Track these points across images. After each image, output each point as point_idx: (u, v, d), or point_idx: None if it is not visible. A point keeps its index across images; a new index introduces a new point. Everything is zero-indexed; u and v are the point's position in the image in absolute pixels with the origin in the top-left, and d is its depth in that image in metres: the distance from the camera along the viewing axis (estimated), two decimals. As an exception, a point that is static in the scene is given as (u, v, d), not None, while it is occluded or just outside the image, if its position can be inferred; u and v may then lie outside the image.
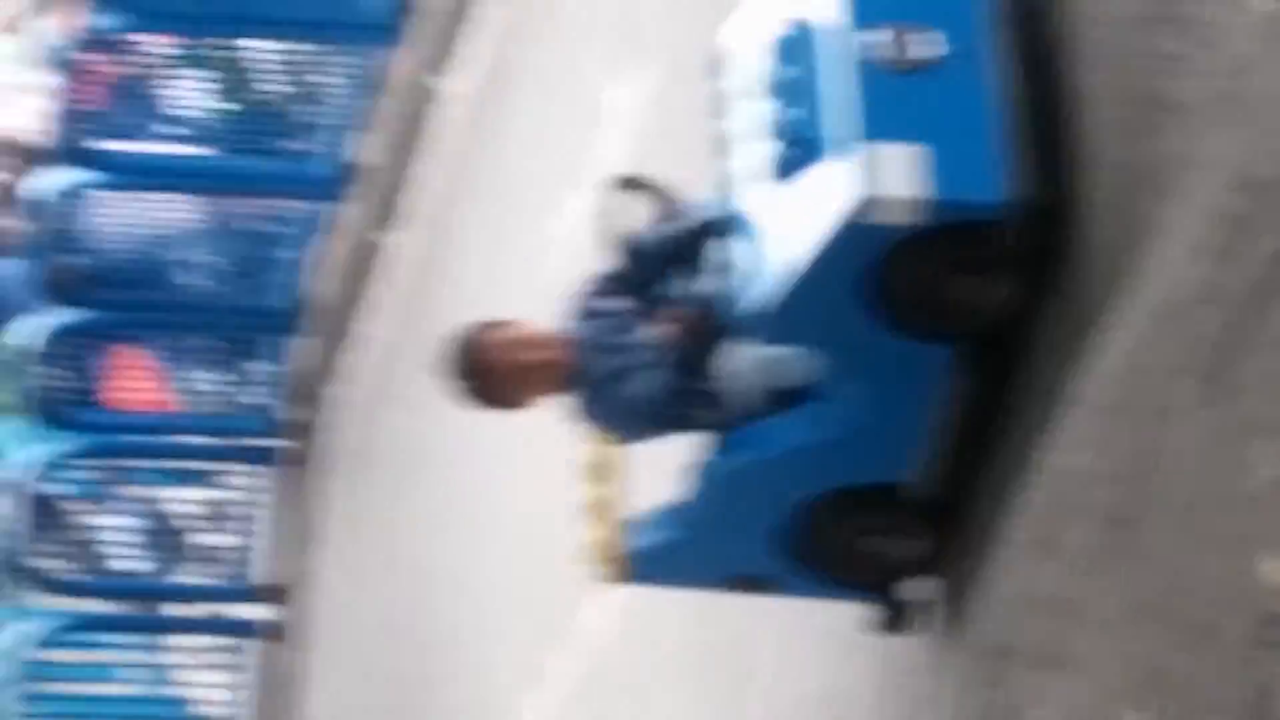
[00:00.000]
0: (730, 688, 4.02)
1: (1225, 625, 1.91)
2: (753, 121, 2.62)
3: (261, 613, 7.60)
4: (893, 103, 2.39)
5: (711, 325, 2.72)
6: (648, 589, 3.47)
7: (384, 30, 6.59)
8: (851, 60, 2.40)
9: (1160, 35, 2.10)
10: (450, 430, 5.79)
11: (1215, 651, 1.93)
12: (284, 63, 6.95)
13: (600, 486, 3.06)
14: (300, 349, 7.52)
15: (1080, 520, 2.28)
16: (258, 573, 7.74)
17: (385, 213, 6.91)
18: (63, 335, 7.15)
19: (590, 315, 2.88)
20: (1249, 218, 1.86)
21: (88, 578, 7.83)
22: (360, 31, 6.79)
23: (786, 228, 2.50)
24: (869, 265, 2.36)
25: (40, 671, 7.45)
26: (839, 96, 2.41)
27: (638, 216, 2.86)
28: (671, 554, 2.94)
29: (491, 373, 2.87)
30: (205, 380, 7.81)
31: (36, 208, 6.78)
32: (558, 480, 4.47)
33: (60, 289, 6.95)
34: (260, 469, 7.76)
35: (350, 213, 6.96)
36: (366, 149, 6.83)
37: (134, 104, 6.95)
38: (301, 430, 7.62)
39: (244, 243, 7.30)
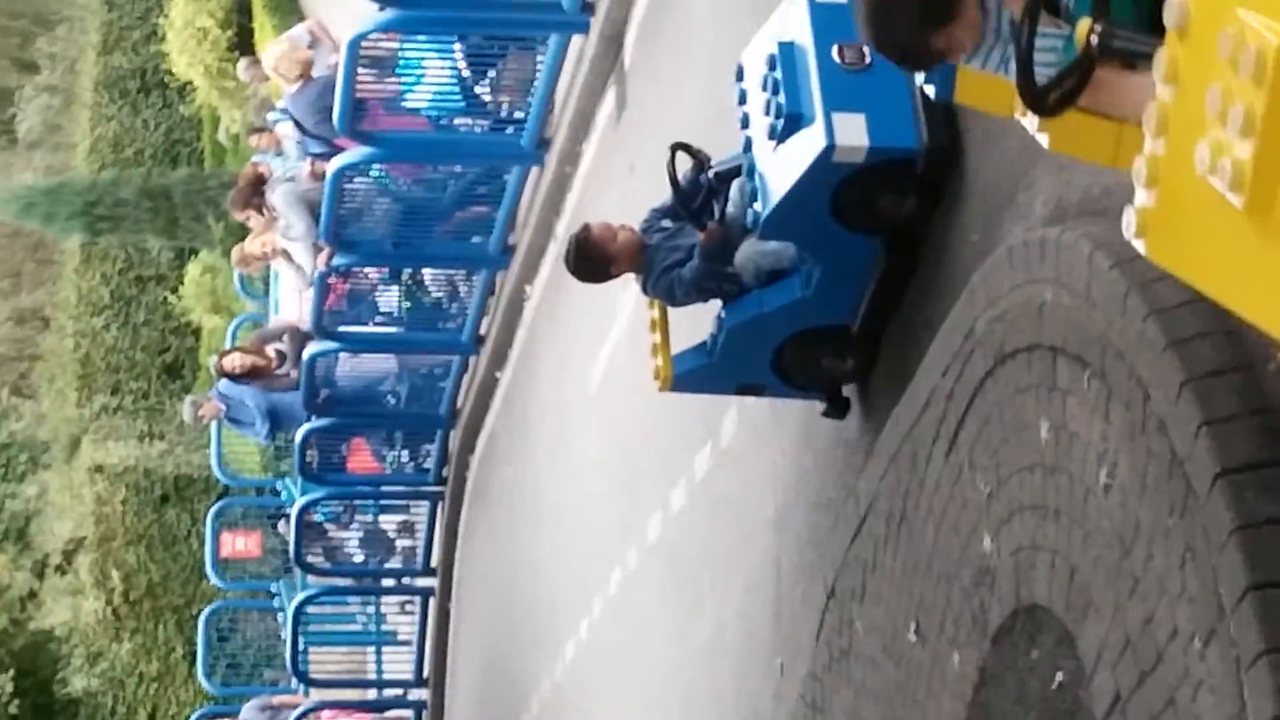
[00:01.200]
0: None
1: (961, 574, 2.95)
2: (759, 106, 3.66)
3: (431, 582, 12.23)
4: (841, 89, 3.51)
5: (728, 234, 3.91)
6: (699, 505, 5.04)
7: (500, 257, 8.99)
8: (816, 65, 3.53)
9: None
10: (549, 461, 8.51)
11: (955, 589, 2.97)
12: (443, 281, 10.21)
13: (658, 334, 4.26)
14: (448, 436, 11.24)
15: (877, 527, 3.57)
16: (429, 559, 12.06)
17: (498, 359, 10.01)
18: (321, 432, 10.70)
19: (653, 229, 4.14)
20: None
21: (335, 565, 12.43)
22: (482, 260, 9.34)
23: (779, 171, 3.60)
24: (830, 187, 3.45)
25: (310, 619, 12.32)
26: (809, 88, 3.54)
27: (684, 168, 4.00)
28: (700, 373, 4.23)
29: (592, 255, 4.08)
30: (398, 454, 11.60)
31: (308, 365, 10.04)
32: (624, 436, 6.62)
33: (319, 408, 10.43)
34: (429, 500, 11.93)
35: (480, 361, 10.26)
36: (485, 326, 9.93)
37: (359, 303, 10.23)
38: (452, 479, 11.50)
39: (419, 378, 10.82)
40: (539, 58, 7.14)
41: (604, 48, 6.91)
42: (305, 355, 9.99)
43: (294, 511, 11.48)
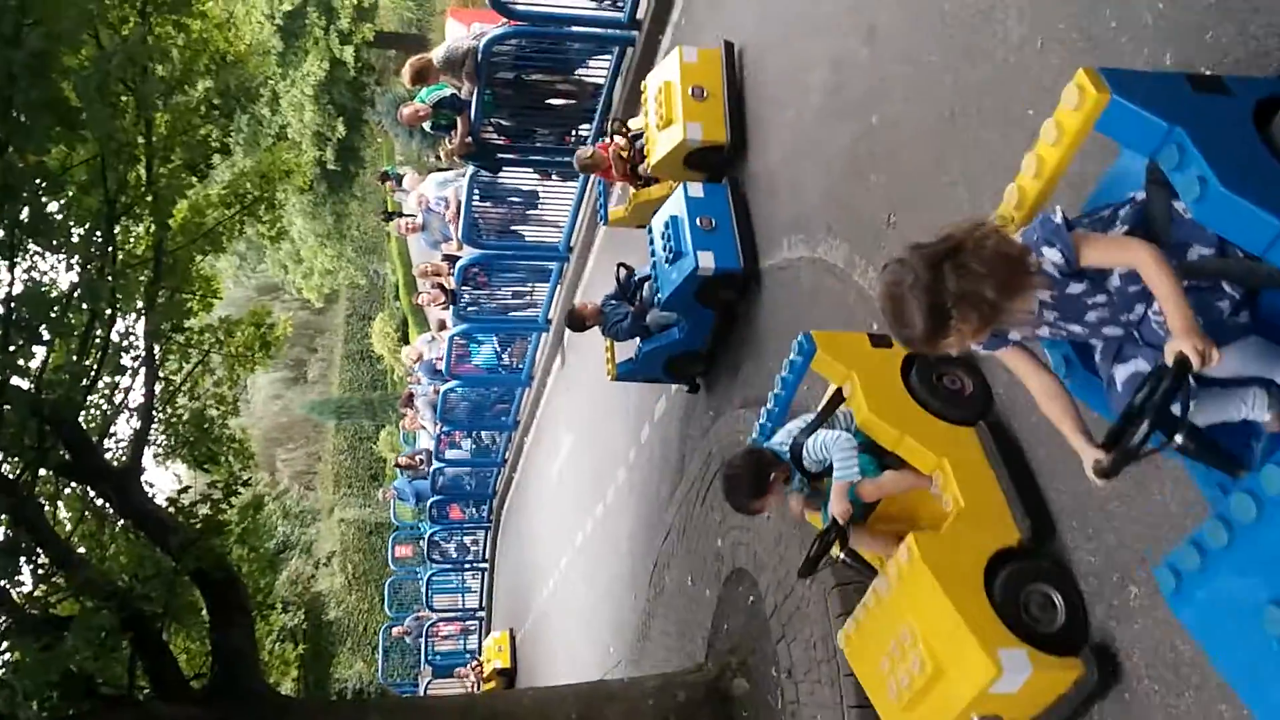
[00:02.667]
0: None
1: (716, 565, 6.66)
2: (661, 246, 6.57)
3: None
4: (701, 239, 6.41)
5: (644, 309, 7.25)
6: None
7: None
8: (689, 227, 6.43)
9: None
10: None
11: (711, 573, 6.79)
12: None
13: (609, 352, 7.94)
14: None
15: (675, 530, 8.28)
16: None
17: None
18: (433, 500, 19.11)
19: (607, 302, 7.50)
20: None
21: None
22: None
23: (671, 277, 6.51)
24: (695, 285, 6.43)
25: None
26: (687, 238, 6.43)
27: (623, 273, 7.47)
28: (630, 371, 7.74)
29: (578, 319, 7.70)
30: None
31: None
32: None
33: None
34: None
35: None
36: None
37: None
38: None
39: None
40: None
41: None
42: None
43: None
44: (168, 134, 11.14)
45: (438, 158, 11.12)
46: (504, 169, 10.38)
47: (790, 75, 6.08)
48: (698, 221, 6.45)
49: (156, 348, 11.69)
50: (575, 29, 8.99)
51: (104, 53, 6.32)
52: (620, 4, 8.66)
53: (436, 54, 9.13)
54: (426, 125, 9.95)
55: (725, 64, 6.82)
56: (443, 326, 15.24)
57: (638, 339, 7.50)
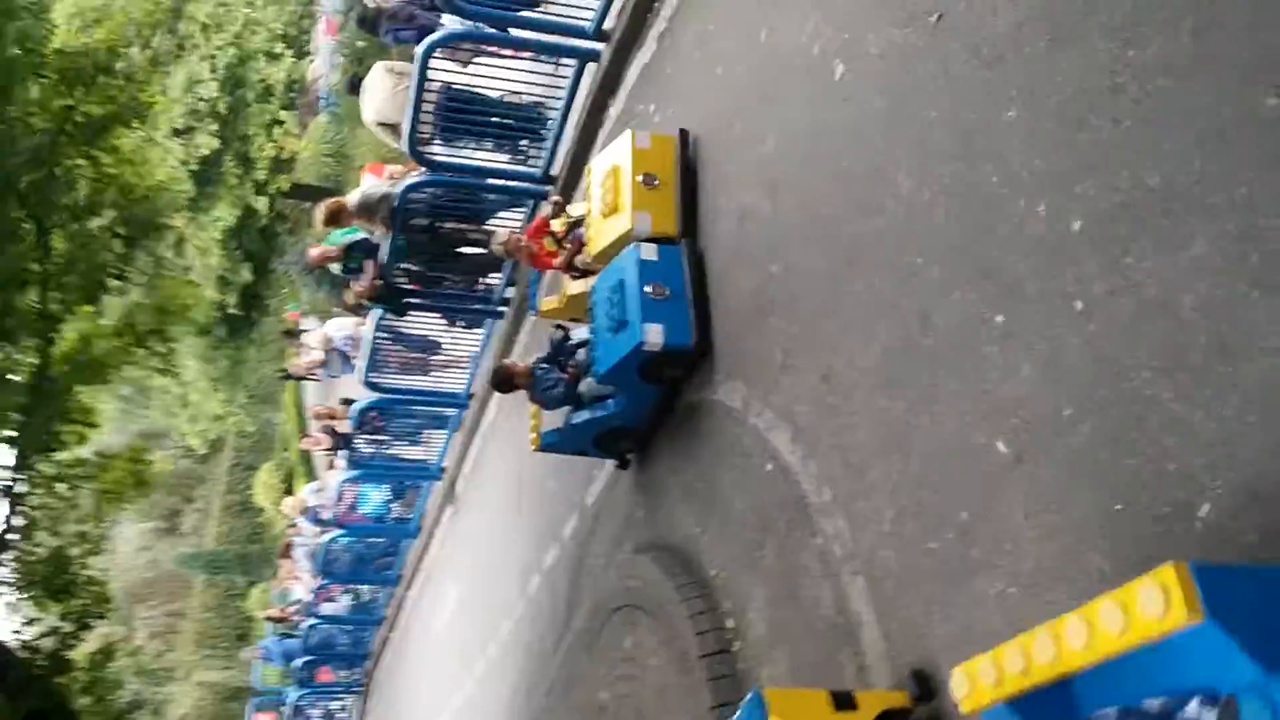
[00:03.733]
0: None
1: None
2: (604, 310, 5.95)
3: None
4: (650, 309, 5.64)
5: (579, 375, 6.55)
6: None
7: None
8: (639, 296, 5.67)
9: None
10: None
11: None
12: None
13: (534, 420, 7.27)
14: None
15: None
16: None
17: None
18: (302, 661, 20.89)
19: (538, 364, 6.84)
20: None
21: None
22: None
23: (612, 348, 5.86)
24: (638, 360, 5.73)
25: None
26: (634, 306, 5.67)
27: (559, 335, 6.76)
28: (556, 443, 7.03)
29: (505, 378, 7.04)
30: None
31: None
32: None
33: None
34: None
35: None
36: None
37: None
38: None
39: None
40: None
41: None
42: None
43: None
44: (65, 260, 10.98)
45: (344, 305, 11.08)
46: (410, 313, 10.40)
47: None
48: (647, 289, 5.73)
49: (21, 479, 11.10)
50: (491, 181, 9.23)
51: (9, 150, 6.24)
52: (535, 161, 8.91)
53: (351, 198, 9.25)
54: (335, 267, 9.96)
55: (679, 152, 6.26)
56: (332, 467, 14.81)
57: (568, 407, 6.87)
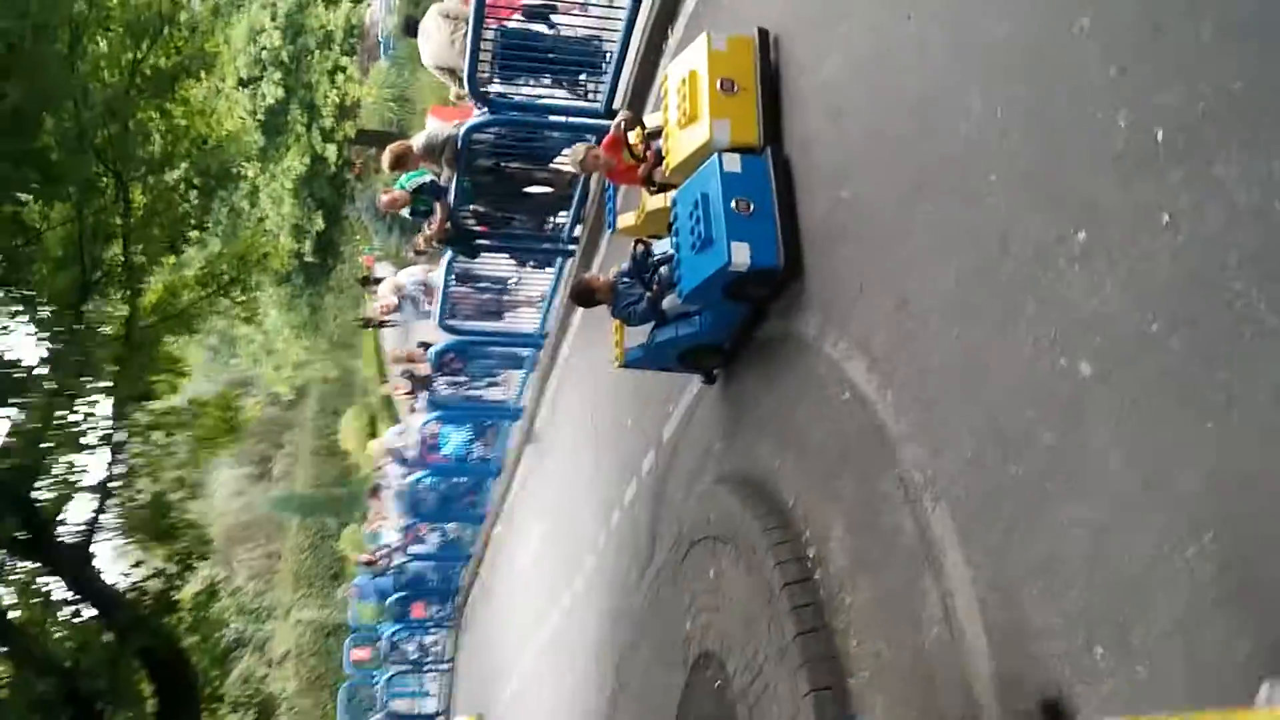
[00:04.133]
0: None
1: (683, 650, 7.94)
2: (688, 225, 5.65)
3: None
4: (738, 225, 5.38)
5: (662, 292, 6.30)
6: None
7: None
8: (723, 211, 5.40)
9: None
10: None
11: (678, 658, 7.90)
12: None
13: (616, 336, 6.97)
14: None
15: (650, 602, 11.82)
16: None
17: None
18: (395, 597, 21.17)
19: (620, 278, 6.63)
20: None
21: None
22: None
23: (697, 267, 5.59)
24: (724, 280, 5.51)
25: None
26: (719, 223, 5.42)
27: (640, 250, 6.47)
28: (640, 359, 6.79)
29: (586, 292, 6.82)
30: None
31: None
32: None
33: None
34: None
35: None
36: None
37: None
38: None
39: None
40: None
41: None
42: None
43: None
44: (145, 213, 11.25)
45: (416, 250, 11.20)
46: (481, 254, 10.46)
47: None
48: (733, 204, 5.42)
49: (119, 428, 11.51)
50: (553, 119, 9.17)
51: (83, 105, 6.39)
52: (596, 96, 8.84)
53: (416, 141, 9.28)
54: (405, 211, 10.05)
55: (759, 54, 5.88)
56: (413, 410, 15.11)
57: (651, 324, 6.60)
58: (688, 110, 5.87)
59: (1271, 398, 2.64)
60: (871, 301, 4.76)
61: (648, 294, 6.38)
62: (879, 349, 4.67)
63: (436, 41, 9.27)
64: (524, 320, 11.87)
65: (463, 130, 8.74)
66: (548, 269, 10.94)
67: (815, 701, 4.75)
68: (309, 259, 23.75)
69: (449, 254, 10.35)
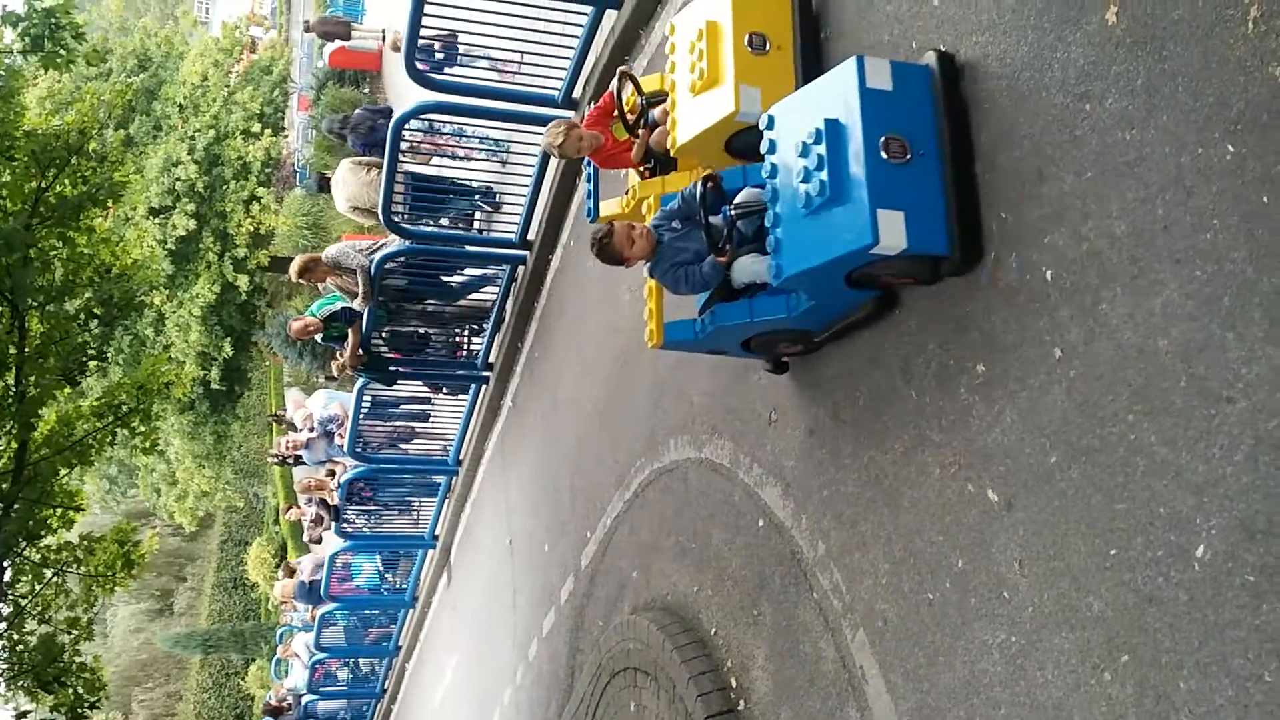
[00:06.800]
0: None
1: None
2: (794, 169, 3.68)
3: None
4: (884, 183, 3.39)
5: (734, 252, 4.28)
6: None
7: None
8: (863, 154, 3.42)
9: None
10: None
11: None
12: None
13: (651, 304, 4.78)
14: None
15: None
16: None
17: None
18: None
19: (663, 228, 4.50)
20: None
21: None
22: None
23: (808, 238, 3.62)
24: (856, 263, 3.55)
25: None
26: (854, 175, 3.46)
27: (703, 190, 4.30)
28: (684, 344, 4.64)
29: (612, 247, 4.51)
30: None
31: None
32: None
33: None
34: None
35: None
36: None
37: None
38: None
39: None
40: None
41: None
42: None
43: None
44: (41, 341, 10.93)
45: (329, 376, 11.07)
46: (396, 382, 10.39)
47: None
48: (881, 145, 3.48)
49: (7, 565, 10.93)
50: (467, 249, 9.29)
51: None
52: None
53: (326, 254, 9.31)
54: (319, 337, 9.97)
55: (797, 7, 4.59)
56: (321, 540, 14.71)
57: (707, 293, 4.56)
58: (704, 72, 4.53)
59: (1168, 524, 2.73)
60: (781, 430, 4.83)
61: (715, 256, 4.36)
62: (791, 474, 4.72)
63: (351, 184, 9.48)
64: (437, 448, 11.73)
65: (377, 259, 8.79)
66: (462, 395, 10.89)
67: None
68: (215, 386, 23.29)
69: (360, 382, 10.25)
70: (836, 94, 3.61)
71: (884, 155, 3.46)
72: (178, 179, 21.18)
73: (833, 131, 3.58)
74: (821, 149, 3.58)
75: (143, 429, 11.76)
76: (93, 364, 12.72)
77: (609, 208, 5.97)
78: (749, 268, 4.30)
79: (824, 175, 3.56)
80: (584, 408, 7.94)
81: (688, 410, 5.93)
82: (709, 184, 4.35)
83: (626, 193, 5.72)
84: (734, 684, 5.10)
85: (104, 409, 11.58)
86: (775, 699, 4.72)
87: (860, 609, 4.12)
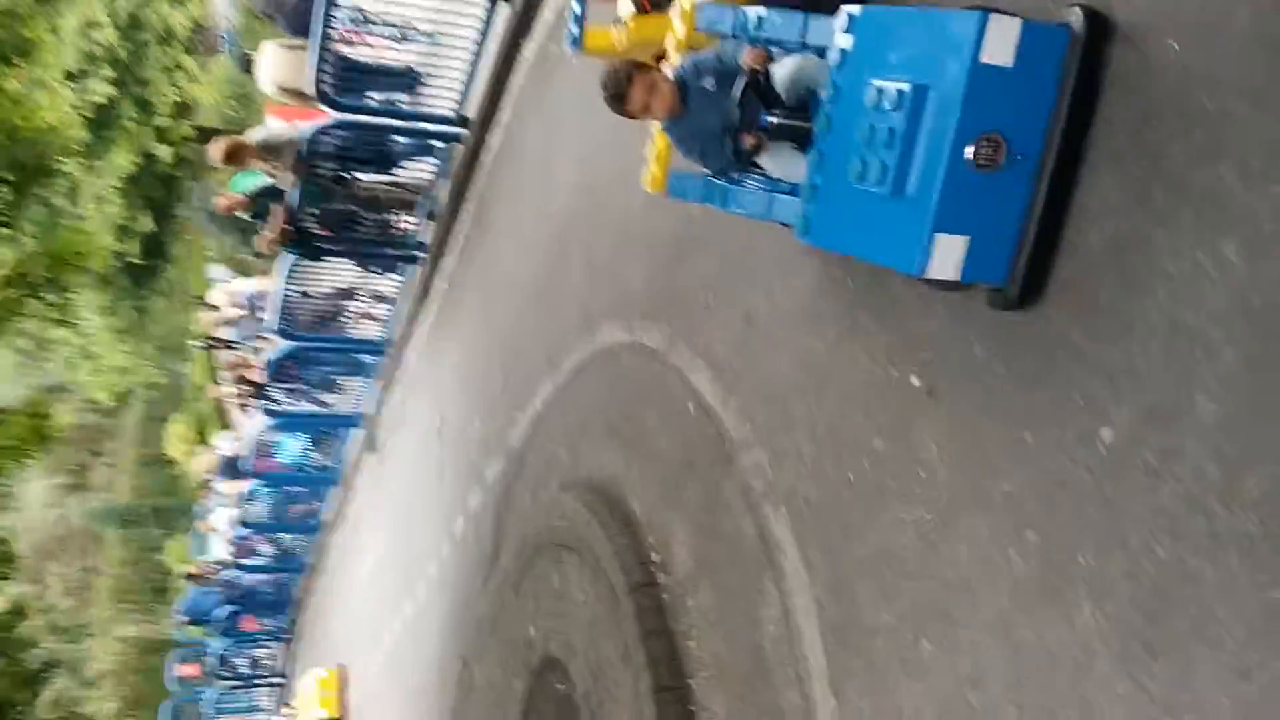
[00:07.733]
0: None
1: (526, 654, 7.23)
2: (859, 126, 2.92)
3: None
4: (959, 194, 2.69)
5: (759, 142, 3.59)
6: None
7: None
8: (949, 148, 2.70)
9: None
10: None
11: (521, 663, 7.25)
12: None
13: (656, 145, 4.09)
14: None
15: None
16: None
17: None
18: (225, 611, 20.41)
19: (691, 81, 3.71)
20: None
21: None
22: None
23: (854, 211, 3.00)
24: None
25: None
26: (929, 167, 2.75)
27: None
28: (690, 193, 3.98)
29: (627, 92, 3.72)
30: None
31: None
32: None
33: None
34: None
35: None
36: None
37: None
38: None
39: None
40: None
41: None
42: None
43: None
44: (-54, 206, 10.51)
45: (256, 254, 10.80)
46: (323, 258, 10.20)
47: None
48: (973, 146, 2.77)
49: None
50: (401, 124, 9.05)
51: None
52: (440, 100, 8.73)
53: (253, 136, 9.01)
54: (246, 214, 9.72)
55: None
56: (246, 417, 14.63)
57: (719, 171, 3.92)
58: None
59: (1081, 410, 2.86)
60: (716, 316, 4.90)
61: (749, 140, 3.68)
62: (723, 359, 4.81)
63: (278, 63, 9.12)
64: (366, 327, 11.62)
65: (308, 134, 8.54)
66: (392, 274, 10.75)
67: (657, 702, 4.83)
68: (136, 261, 22.64)
69: (288, 259, 10.05)
70: (943, 48, 2.77)
71: (970, 158, 2.76)
72: (96, 43, 20.15)
73: (918, 103, 2.81)
74: (899, 120, 2.83)
75: (56, 300, 11.45)
76: (3, 231, 12.30)
77: (597, 39, 4.87)
78: (783, 164, 3.67)
79: (891, 160, 2.85)
80: (519, 289, 7.91)
81: (624, 293, 5.96)
82: (756, 74, 3.56)
83: (621, 23, 4.70)
84: (656, 559, 5.26)
85: (15, 278, 11.23)
86: (695, 573, 4.89)
87: (782, 488, 4.26)
